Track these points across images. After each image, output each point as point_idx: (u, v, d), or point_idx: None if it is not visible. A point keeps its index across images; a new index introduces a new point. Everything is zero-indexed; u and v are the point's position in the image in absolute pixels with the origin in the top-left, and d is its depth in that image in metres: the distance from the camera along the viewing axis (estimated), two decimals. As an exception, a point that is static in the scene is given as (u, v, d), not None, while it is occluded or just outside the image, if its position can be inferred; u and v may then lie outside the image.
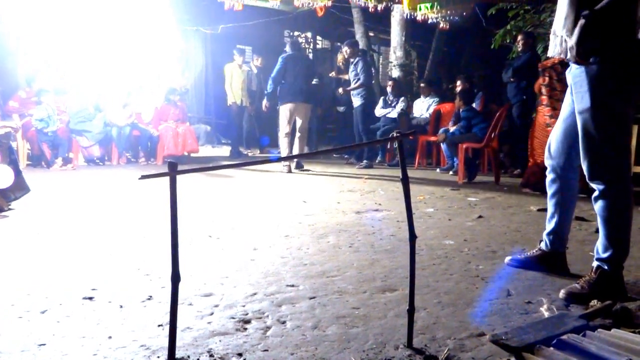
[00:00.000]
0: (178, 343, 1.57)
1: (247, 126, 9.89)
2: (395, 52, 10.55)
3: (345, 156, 9.11)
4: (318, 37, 14.95)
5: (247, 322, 1.88)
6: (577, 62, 2.17)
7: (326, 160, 9.08)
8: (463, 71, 10.51)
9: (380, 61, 14.37)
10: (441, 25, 9.46)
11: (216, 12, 9.76)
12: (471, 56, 12.17)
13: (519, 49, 7.03)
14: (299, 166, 7.50)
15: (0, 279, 2.32)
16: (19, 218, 3.68)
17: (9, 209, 3.87)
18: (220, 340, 1.72)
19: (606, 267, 2.20)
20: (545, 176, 2.56)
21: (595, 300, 2.05)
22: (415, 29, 10.72)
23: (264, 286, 2.28)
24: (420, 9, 8.88)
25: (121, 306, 2.01)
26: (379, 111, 8.69)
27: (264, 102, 7.57)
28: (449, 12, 8.99)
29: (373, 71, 9.38)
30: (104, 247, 2.94)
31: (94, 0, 8.63)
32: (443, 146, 7.32)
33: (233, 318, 1.91)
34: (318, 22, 11.65)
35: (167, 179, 1.35)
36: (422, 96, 8.84)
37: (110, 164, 7.72)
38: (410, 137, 7.73)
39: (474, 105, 7.33)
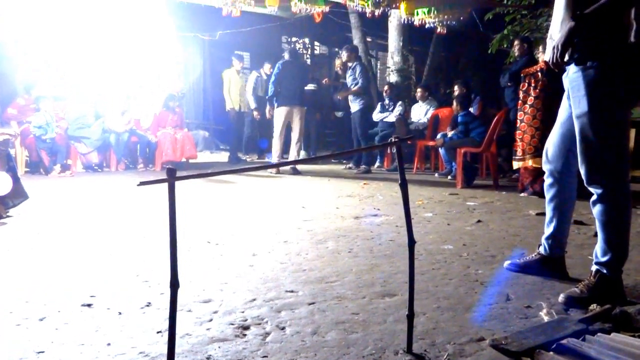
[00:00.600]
0: (177, 350, 1.57)
1: (249, 131, 9.88)
2: (393, 57, 10.58)
3: (344, 161, 9.11)
4: (316, 43, 14.99)
5: (246, 328, 1.88)
6: (554, 64, 2.17)
7: (325, 165, 9.08)
8: (460, 76, 10.54)
9: (378, 66, 14.40)
10: (438, 30, 9.47)
11: (214, 19, 9.78)
12: (468, 61, 12.21)
13: (516, 54, 7.05)
14: (296, 171, 7.57)
15: (-1, 286, 2.31)
16: (17, 225, 3.67)
17: (8, 216, 3.87)
18: (219, 347, 1.71)
19: (605, 271, 2.20)
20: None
21: (595, 304, 2.05)
22: (412, 34, 10.75)
23: (263, 292, 2.28)
24: (417, 14, 8.90)
25: (120, 313, 2.00)
26: (376, 116, 8.71)
27: (267, 108, 8.04)
28: (446, 16, 9.01)
29: (370, 75, 9.40)
30: (102, 253, 2.94)
31: (93, 6, 8.64)
32: (441, 151, 7.33)
33: (232, 324, 1.91)
34: (316, 27, 11.69)
35: (165, 185, 1.35)
36: (419, 101, 8.86)
37: (109, 171, 7.72)
38: (409, 142, 7.78)
39: (471, 109, 7.35)
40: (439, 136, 7.30)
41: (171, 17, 9.76)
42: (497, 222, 4.04)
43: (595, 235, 2.29)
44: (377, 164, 8.94)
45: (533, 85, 5.20)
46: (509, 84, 6.91)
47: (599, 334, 1.75)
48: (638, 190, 4.54)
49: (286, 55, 7.84)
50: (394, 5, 8.92)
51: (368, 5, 8.43)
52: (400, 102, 8.72)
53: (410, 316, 1.69)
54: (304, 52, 14.62)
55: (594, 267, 2.25)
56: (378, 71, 14.03)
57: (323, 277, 2.51)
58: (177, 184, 1.36)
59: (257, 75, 9.47)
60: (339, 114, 10.01)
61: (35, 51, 8.62)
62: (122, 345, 1.72)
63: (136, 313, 2.01)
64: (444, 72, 11.89)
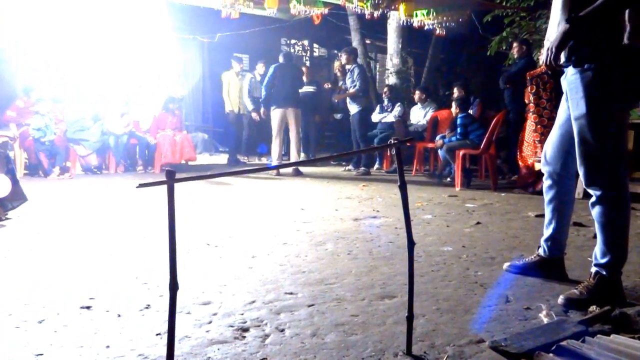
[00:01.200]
0: (176, 352, 1.57)
1: (247, 133, 9.90)
2: (392, 59, 10.58)
3: (343, 163, 9.12)
4: (315, 45, 15.00)
5: (246, 330, 1.88)
6: (548, 65, 2.18)
7: (324, 167, 9.08)
8: (459, 78, 10.54)
9: (377, 68, 14.41)
10: (437, 32, 9.48)
11: (213, 21, 9.77)
12: (467, 63, 12.22)
13: (515, 56, 7.06)
14: (298, 173, 7.64)
15: (-2, 288, 2.31)
16: (16, 227, 3.67)
17: (7, 218, 3.86)
18: (218, 349, 1.71)
19: (604, 273, 2.20)
20: (537, 178, 2.57)
21: (594, 306, 2.05)
22: (411, 36, 10.77)
23: (263, 294, 2.27)
24: (416, 16, 8.91)
25: (119, 315, 2.00)
26: (375, 117, 8.72)
27: (262, 110, 8.08)
28: (445, 19, 9.02)
29: (369, 77, 9.41)
30: (101, 255, 2.93)
31: (93, 8, 8.65)
32: (440, 153, 7.33)
33: (231, 326, 1.90)
34: (315, 30, 11.68)
35: (164, 187, 1.35)
36: (418, 103, 8.87)
37: (108, 173, 7.72)
38: (408, 144, 7.78)
39: (470, 112, 7.35)
40: (438, 138, 7.30)
41: (170, 19, 9.77)
42: (497, 224, 4.04)
43: (595, 236, 2.30)
44: (376, 165, 8.94)
45: (542, 87, 5.25)
46: (507, 86, 6.92)
47: (598, 335, 1.75)
48: (637, 191, 4.55)
49: (280, 58, 7.92)
50: (393, 7, 8.93)
51: (367, 7, 8.44)
52: (399, 104, 8.73)
53: (410, 318, 1.69)
54: (303, 54, 14.63)
55: (593, 269, 2.25)
56: (377, 73, 14.03)
57: (322, 279, 2.51)
58: (177, 186, 1.36)
59: (250, 77, 9.49)
60: (338, 116, 10.01)
61: (35, 51, 8.63)
62: (121, 347, 1.71)
63: (135, 315, 2.01)
64: (443, 74, 11.89)
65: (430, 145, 7.84)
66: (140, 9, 9.03)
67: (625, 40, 2.05)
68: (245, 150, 10.14)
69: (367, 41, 11.95)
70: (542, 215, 2.63)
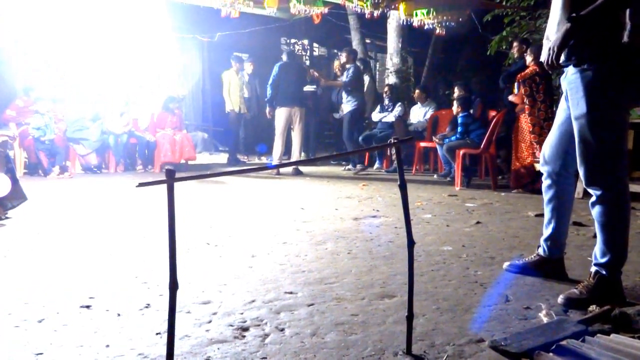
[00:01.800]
0: (176, 351, 1.57)
1: (244, 133, 9.91)
2: (392, 58, 10.57)
3: (343, 163, 9.12)
4: (315, 45, 14.98)
5: (246, 329, 1.88)
6: (550, 65, 2.17)
7: (324, 166, 9.08)
8: (459, 77, 10.54)
9: (377, 68, 14.40)
10: (437, 31, 9.48)
11: (213, 20, 9.76)
12: (467, 62, 12.21)
13: (515, 56, 7.06)
14: (298, 172, 7.65)
15: (-3, 288, 2.31)
16: (16, 226, 3.67)
17: (6, 218, 3.86)
18: (218, 348, 1.71)
19: (604, 272, 2.20)
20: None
21: (594, 306, 2.05)
22: (411, 36, 10.75)
23: (262, 293, 2.27)
24: (416, 15, 8.91)
25: (119, 314, 2.00)
26: (375, 116, 8.72)
27: (267, 110, 8.02)
28: (445, 18, 9.02)
29: (367, 80, 9.40)
30: (101, 255, 2.93)
31: (93, 7, 8.65)
32: (440, 152, 7.33)
33: (231, 326, 1.90)
34: (314, 29, 11.68)
35: (164, 186, 1.35)
36: (418, 103, 8.87)
37: (108, 172, 7.71)
38: (408, 143, 7.79)
39: (471, 111, 7.35)
40: (438, 136, 7.30)
41: (170, 18, 9.76)
42: (496, 223, 4.04)
43: (595, 236, 2.30)
44: (376, 165, 8.95)
45: (535, 88, 5.26)
46: (507, 85, 6.92)
47: (598, 335, 1.75)
48: (637, 191, 4.55)
49: (284, 57, 7.90)
50: (393, 7, 8.93)
51: (367, 6, 8.44)
52: (399, 103, 8.73)
53: (410, 317, 1.69)
54: (303, 53, 14.61)
55: (593, 269, 2.25)
56: (377, 72, 14.02)
57: (322, 279, 2.51)
58: (176, 185, 1.35)
59: (246, 77, 9.54)
60: (338, 115, 10.01)
61: (35, 51, 8.62)
62: (121, 346, 1.71)
63: (135, 314, 2.01)
64: (443, 74, 11.89)
65: (430, 144, 7.84)
66: (140, 8, 9.02)
67: (625, 39, 2.05)
68: (245, 150, 10.14)
69: (367, 40, 11.94)
70: (542, 215, 2.63)
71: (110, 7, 8.76)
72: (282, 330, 1.87)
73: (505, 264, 2.70)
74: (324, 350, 1.71)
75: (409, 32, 10.44)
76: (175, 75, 11.38)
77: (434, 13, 8.88)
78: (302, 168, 7.94)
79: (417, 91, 8.93)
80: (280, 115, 7.67)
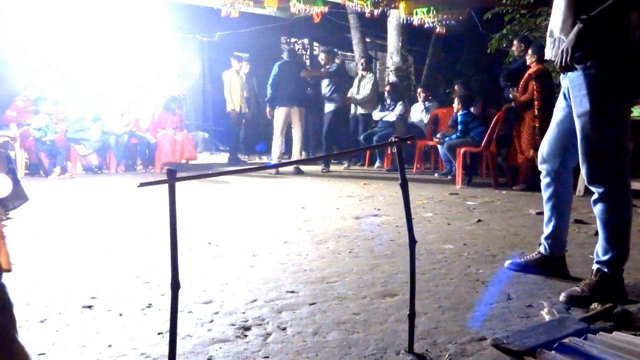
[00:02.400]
0: (178, 351, 1.57)
1: (244, 132, 9.91)
2: (392, 57, 10.57)
3: (344, 162, 9.12)
4: (315, 44, 14.97)
5: (248, 329, 1.88)
6: (564, 67, 2.16)
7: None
8: (460, 76, 10.52)
9: (378, 66, 14.39)
10: (437, 30, 9.48)
11: (213, 20, 9.77)
12: (468, 61, 12.19)
13: (515, 53, 7.05)
14: (298, 171, 7.65)
15: (-1, 288, 2.31)
16: (17, 227, 3.67)
17: (8, 218, 3.86)
18: (220, 348, 1.71)
19: (606, 270, 2.19)
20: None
21: (596, 303, 2.05)
22: (411, 34, 10.75)
23: (264, 293, 2.27)
24: (416, 14, 8.90)
25: (121, 314, 2.00)
26: (376, 115, 8.72)
27: (267, 110, 7.97)
28: (445, 16, 9.01)
29: (370, 78, 9.36)
30: (103, 255, 2.93)
31: (93, 7, 8.65)
32: (441, 151, 7.32)
33: (233, 325, 1.90)
34: (315, 28, 11.67)
35: (165, 186, 1.35)
36: (419, 101, 8.86)
37: (109, 172, 7.71)
38: (408, 142, 7.78)
39: (472, 109, 7.34)
40: (438, 135, 7.30)
41: (170, 18, 9.76)
42: (498, 221, 4.04)
43: (596, 234, 2.29)
44: (377, 164, 8.95)
45: (544, 86, 5.34)
46: (508, 83, 6.91)
47: (600, 332, 1.75)
48: (639, 189, 4.54)
49: (285, 55, 7.87)
50: (393, 5, 8.92)
51: (367, 5, 8.43)
52: (400, 102, 8.72)
53: (412, 316, 1.68)
54: (303, 52, 14.61)
55: (595, 266, 2.25)
56: (377, 71, 14.02)
57: (324, 278, 2.50)
58: (177, 185, 1.35)
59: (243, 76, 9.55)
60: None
61: (35, 51, 8.62)
62: (123, 346, 1.71)
63: (137, 314, 2.01)
64: (443, 72, 11.88)
65: (430, 143, 7.84)
66: (140, 8, 9.02)
67: (635, 38, 2.04)
68: (245, 149, 10.14)
69: (367, 39, 11.93)
70: (543, 213, 2.63)
71: (110, 7, 8.76)
72: (284, 329, 1.87)
73: (507, 262, 2.70)
74: (325, 349, 1.71)
75: (409, 31, 10.43)
76: (176, 75, 11.39)
77: (434, 12, 8.87)
78: (302, 167, 7.93)
79: (418, 90, 8.93)
80: (279, 114, 7.64)
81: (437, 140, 7.22)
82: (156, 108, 8.64)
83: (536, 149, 5.37)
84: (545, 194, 2.51)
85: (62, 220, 3.99)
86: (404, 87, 10.31)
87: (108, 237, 3.38)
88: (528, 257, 2.63)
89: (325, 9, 8.76)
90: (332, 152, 8.29)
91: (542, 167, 2.50)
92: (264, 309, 2.08)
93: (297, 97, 7.66)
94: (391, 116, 8.54)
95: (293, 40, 14.20)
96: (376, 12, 8.64)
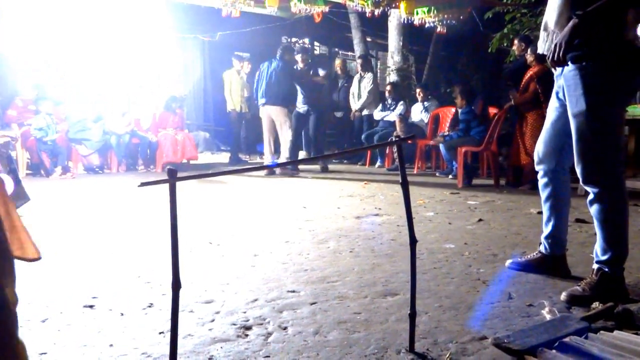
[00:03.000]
0: (179, 350, 1.57)
1: (245, 132, 9.92)
2: (393, 56, 10.56)
3: (345, 161, 9.12)
4: (316, 43, 14.98)
5: (249, 328, 1.88)
6: (556, 61, 2.15)
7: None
8: (461, 75, 10.52)
9: (378, 66, 14.39)
10: (438, 29, 9.49)
11: (214, 20, 9.77)
12: (468, 60, 12.19)
13: (516, 53, 7.05)
14: (294, 172, 7.50)
15: (1, 288, 2.31)
16: (18, 227, 3.67)
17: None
18: (221, 347, 1.71)
19: (606, 269, 2.19)
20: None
21: (597, 302, 2.05)
22: (412, 34, 10.74)
23: (265, 292, 2.28)
24: (417, 14, 8.90)
25: (122, 314, 2.00)
26: (377, 114, 8.71)
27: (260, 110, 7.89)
28: (446, 16, 9.01)
29: (370, 78, 9.34)
30: (104, 254, 2.94)
31: (93, 7, 8.66)
32: (442, 150, 7.32)
33: (234, 324, 1.91)
34: (316, 28, 11.68)
35: (166, 186, 1.35)
36: (420, 100, 8.86)
37: (110, 172, 7.72)
38: (409, 142, 7.78)
39: (472, 107, 7.34)
40: (439, 135, 7.30)
41: (170, 18, 9.77)
42: (499, 220, 4.04)
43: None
44: (377, 163, 8.95)
45: (548, 86, 5.33)
46: (509, 82, 6.90)
47: (601, 331, 1.75)
48: (638, 188, 4.54)
49: (278, 54, 7.62)
50: (393, 5, 8.92)
51: (368, 4, 8.43)
52: (401, 102, 8.71)
53: (412, 315, 1.69)
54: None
55: (595, 266, 2.25)
56: (378, 71, 14.02)
57: (325, 277, 2.51)
58: (178, 184, 1.36)
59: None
60: (339, 114, 10.01)
61: (35, 51, 8.63)
62: (125, 346, 1.72)
63: (138, 314, 2.01)
64: (444, 72, 11.87)
65: (431, 142, 7.84)
66: (141, 8, 9.03)
67: (630, 37, 2.04)
68: (246, 149, 10.14)
69: (368, 39, 11.93)
70: (543, 212, 2.63)
71: (110, 7, 8.76)
72: (285, 328, 1.88)
73: (508, 262, 2.70)
74: (326, 349, 1.71)
75: (409, 31, 10.42)
76: (176, 75, 11.39)
77: (435, 11, 8.87)
78: (302, 167, 7.89)
79: (419, 89, 8.93)
80: (262, 114, 7.57)
81: (435, 142, 7.21)
82: (157, 108, 8.64)
83: None
84: (543, 194, 2.51)
85: (64, 220, 4.00)
86: (405, 86, 10.31)
87: (109, 237, 3.39)
88: (529, 256, 2.63)
89: (326, 9, 8.76)
90: (319, 154, 8.17)
91: (539, 168, 2.51)
92: (265, 308, 2.08)
93: (279, 96, 7.34)
94: (392, 116, 8.54)
95: (294, 39, 14.20)
96: (377, 11, 8.64)
